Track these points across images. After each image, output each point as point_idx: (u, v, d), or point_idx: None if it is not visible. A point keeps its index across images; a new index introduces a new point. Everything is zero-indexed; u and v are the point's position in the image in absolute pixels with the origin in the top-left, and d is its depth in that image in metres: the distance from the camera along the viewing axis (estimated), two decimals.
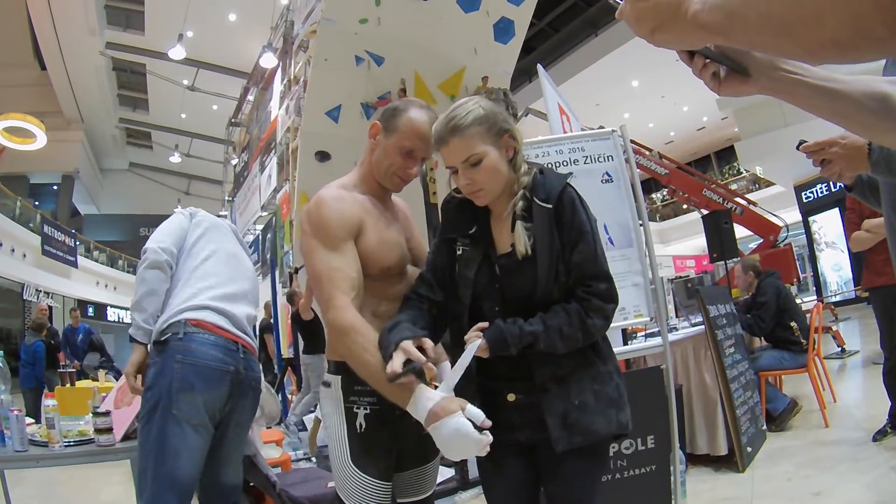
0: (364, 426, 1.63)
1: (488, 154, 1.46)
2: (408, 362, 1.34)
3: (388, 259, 1.68)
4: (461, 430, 1.31)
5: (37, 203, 20.45)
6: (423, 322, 1.50)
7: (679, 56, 0.86)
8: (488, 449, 1.32)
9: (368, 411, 1.63)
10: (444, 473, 4.08)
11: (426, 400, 1.36)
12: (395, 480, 1.79)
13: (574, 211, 1.46)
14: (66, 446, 2.44)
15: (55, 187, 22.89)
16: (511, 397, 1.51)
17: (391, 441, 1.67)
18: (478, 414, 1.34)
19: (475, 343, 1.40)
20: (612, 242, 2.79)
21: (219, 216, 2.61)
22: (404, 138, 1.66)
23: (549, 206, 1.45)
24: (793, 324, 4.58)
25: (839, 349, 7.24)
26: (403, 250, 1.75)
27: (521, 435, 1.52)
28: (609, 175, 2.86)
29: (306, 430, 5.52)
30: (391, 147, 1.67)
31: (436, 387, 1.41)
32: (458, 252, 1.55)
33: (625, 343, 3.70)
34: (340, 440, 1.65)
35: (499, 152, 1.48)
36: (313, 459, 5.03)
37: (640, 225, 2.83)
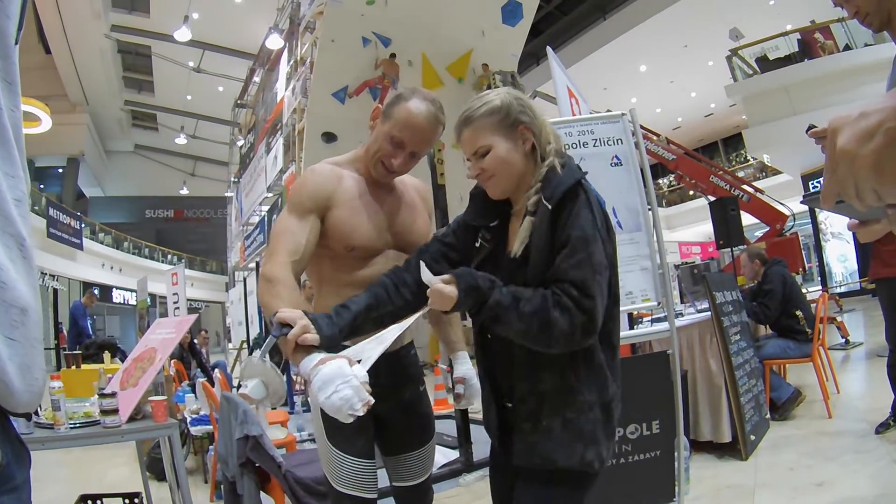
0: None
1: (496, 145, 1.41)
2: (286, 326, 1.32)
3: (354, 238, 1.65)
4: (344, 371, 1.24)
5: (42, 186, 20.47)
6: (384, 298, 1.44)
7: None
8: (365, 409, 1.24)
9: None
10: (450, 455, 4.10)
11: (317, 356, 1.30)
12: (386, 465, 1.80)
13: (571, 213, 1.32)
14: (71, 428, 2.43)
15: (60, 170, 22.80)
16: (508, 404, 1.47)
17: (365, 418, 1.64)
18: (364, 375, 1.27)
19: (422, 310, 1.42)
20: (620, 226, 2.77)
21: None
22: (396, 127, 1.63)
23: (549, 205, 1.34)
24: (798, 313, 4.56)
25: (843, 340, 7.22)
26: (381, 234, 1.71)
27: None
28: (618, 158, 2.84)
29: (311, 411, 5.53)
30: (384, 133, 1.65)
31: (359, 361, 1.32)
32: (477, 244, 1.51)
33: (631, 327, 3.70)
34: (317, 418, 1.68)
35: (511, 144, 1.41)
36: None
37: (649, 209, 2.81)
